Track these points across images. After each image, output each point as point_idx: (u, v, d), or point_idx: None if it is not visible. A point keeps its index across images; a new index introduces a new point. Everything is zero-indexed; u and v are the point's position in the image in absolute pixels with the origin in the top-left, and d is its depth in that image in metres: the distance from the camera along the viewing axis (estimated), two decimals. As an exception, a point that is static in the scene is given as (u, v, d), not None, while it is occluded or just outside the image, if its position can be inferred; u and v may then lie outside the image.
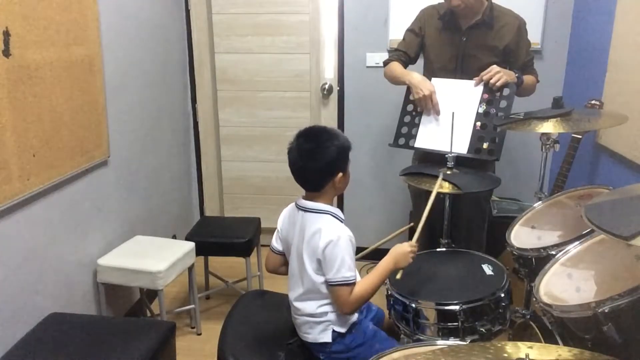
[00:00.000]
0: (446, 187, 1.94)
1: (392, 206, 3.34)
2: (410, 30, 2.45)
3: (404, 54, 2.45)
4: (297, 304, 1.65)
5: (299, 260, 1.61)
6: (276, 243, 1.76)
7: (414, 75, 2.30)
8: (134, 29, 2.63)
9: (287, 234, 1.70)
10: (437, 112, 2.25)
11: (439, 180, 1.89)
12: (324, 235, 1.53)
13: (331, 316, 1.61)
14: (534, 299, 1.42)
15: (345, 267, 1.52)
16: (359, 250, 1.68)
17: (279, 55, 3.28)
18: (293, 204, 1.70)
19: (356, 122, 3.27)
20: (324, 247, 1.52)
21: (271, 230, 1.82)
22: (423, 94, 2.23)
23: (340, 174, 1.59)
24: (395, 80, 2.42)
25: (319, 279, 1.58)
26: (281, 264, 1.77)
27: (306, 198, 1.64)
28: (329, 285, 1.55)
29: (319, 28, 3.21)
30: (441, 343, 1.49)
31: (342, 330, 1.62)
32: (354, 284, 1.54)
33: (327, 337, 1.61)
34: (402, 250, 1.64)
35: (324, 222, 1.57)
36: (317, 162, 1.55)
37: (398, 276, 1.66)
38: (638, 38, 2.16)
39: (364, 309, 1.78)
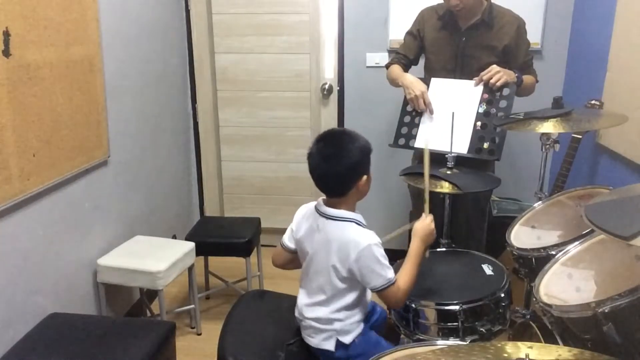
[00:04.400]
0: (446, 187, 1.94)
1: (392, 206, 3.34)
2: (409, 33, 2.48)
3: (403, 57, 2.48)
4: (306, 309, 1.65)
5: (322, 269, 1.59)
6: (289, 242, 1.74)
7: (406, 77, 2.35)
8: (134, 29, 2.63)
9: (304, 239, 1.66)
10: (431, 111, 2.27)
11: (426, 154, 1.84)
12: (355, 246, 1.52)
13: (337, 325, 1.60)
14: (534, 299, 1.42)
15: (384, 270, 1.52)
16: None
17: (279, 55, 3.28)
18: (312, 206, 1.67)
19: (356, 122, 3.27)
20: (356, 258, 1.51)
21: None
22: (414, 94, 2.26)
23: (365, 177, 1.57)
24: (393, 83, 2.46)
25: (342, 286, 1.58)
26: (290, 261, 1.77)
27: (328, 204, 1.61)
28: (376, 292, 1.55)
29: (319, 28, 3.21)
30: (441, 343, 1.49)
31: (346, 341, 1.61)
32: (396, 280, 1.55)
33: (329, 346, 1.61)
34: (425, 229, 1.66)
35: (351, 232, 1.55)
36: (341, 165, 1.53)
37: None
38: (638, 38, 2.16)
39: (369, 312, 1.78)
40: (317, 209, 1.64)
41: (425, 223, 1.67)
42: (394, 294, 1.54)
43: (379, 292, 1.54)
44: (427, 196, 1.75)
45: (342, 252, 1.54)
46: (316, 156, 1.55)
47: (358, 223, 1.58)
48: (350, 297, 1.60)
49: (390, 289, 1.53)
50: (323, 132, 1.62)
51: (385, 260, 1.54)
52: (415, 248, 1.64)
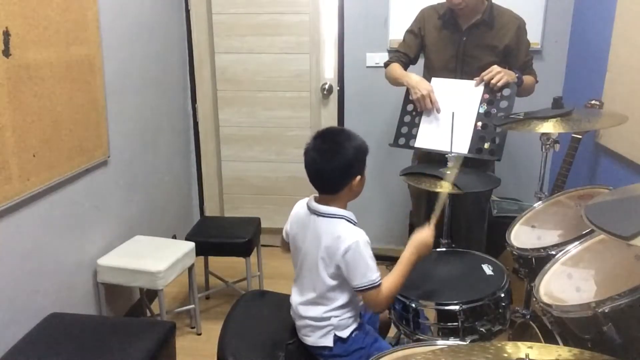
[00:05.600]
0: (446, 187, 1.94)
1: (392, 206, 3.34)
2: (409, 32, 2.46)
3: (403, 55, 2.46)
4: (301, 308, 1.65)
5: (312, 265, 1.60)
6: (286, 235, 1.76)
7: (412, 77, 2.33)
8: (134, 29, 2.63)
9: (295, 234, 1.67)
10: (438, 110, 2.26)
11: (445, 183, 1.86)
12: (343, 241, 1.51)
13: (334, 321, 1.60)
14: (534, 299, 1.42)
15: (369, 270, 1.51)
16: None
17: (279, 55, 3.28)
18: (304, 202, 1.67)
19: (356, 122, 3.27)
20: (344, 253, 1.51)
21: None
22: (421, 93, 2.25)
23: (358, 177, 1.57)
24: (394, 82, 2.44)
25: (332, 283, 1.57)
26: None
27: (320, 201, 1.61)
28: (358, 290, 1.54)
29: (319, 28, 3.21)
30: (441, 343, 1.49)
31: (344, 335, 1.61)
32: (380, 284, 1.53)
33: (328, 342, 1.61)
34: (424, 241, 1.60)
35: (340, 227, 1.55)
36: (336, 162, 1.53)
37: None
38: (638, 38, 2.16)
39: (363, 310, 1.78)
40: (308, 206, 1.64)
41: (424, 234, 1.62)
42: (374, 297, 1.53)
43: (360, 291, 1.53)
44: (438, 211, 1.70)
45: (331, 248, 1.54)
46: (312, 152, 1.56)
47: (348, 220, 1.58)
48: (343, 298, 1.60)
49: (371, 292, 1.52)
50: (322, 129, 1.62)
51: (371, 261, 1.52)
52: (407, 256, 1.60)
